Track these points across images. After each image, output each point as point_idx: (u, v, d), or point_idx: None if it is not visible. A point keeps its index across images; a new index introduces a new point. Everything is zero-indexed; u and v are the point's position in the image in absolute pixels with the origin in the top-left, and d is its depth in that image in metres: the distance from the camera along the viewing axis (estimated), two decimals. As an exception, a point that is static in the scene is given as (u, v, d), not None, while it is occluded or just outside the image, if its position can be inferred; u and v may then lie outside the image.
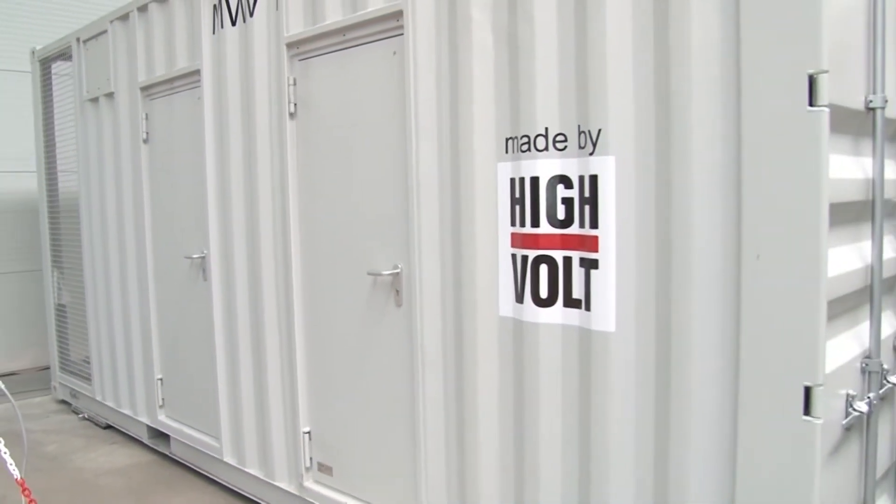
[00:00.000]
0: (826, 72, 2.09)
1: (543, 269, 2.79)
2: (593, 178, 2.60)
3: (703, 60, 2.32)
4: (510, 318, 2.92)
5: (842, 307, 2.56)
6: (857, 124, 2.60)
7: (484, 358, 3.01)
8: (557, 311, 2.77)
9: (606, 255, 2.59)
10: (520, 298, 2.87)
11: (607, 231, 2.58)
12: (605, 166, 2.57)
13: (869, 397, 2.64)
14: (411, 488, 3.36)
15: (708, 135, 2.33)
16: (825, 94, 2.09)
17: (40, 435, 5.78)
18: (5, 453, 3.18)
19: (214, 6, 4.28)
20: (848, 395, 2.53)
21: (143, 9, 4.93)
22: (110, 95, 5.36)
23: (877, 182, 2.61)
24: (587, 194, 2.63)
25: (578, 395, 2.74)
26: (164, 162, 4.93)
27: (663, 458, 2.52)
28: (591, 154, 2.60)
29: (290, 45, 3.79)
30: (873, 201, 2.62)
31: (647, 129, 2.47)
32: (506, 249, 2.92)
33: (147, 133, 5.04)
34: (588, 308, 2.66)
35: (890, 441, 3.07)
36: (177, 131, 4.76)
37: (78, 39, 5.69)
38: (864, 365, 2.66)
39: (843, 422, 2.42)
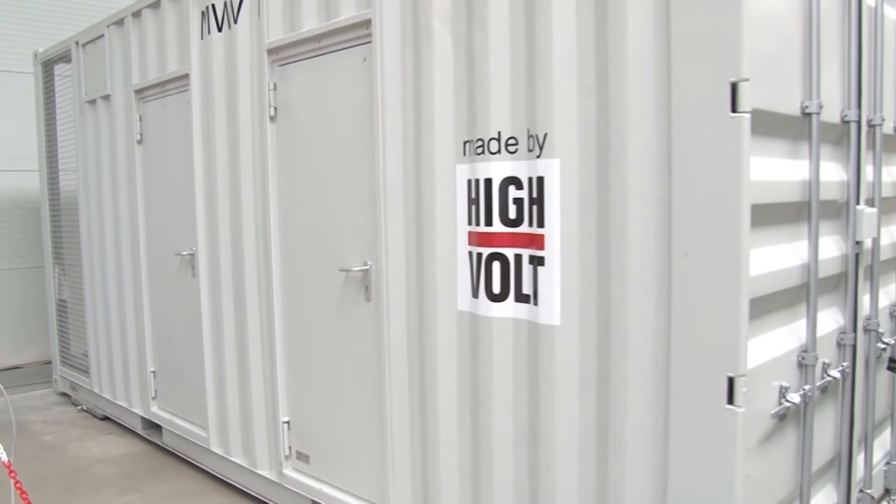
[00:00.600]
0: (747, 80, 2.22)
1: (496, 265, 2.94)
2: (540, 180, 2.75)
3: (637, 69, 2.46)
4: (467, 313, 3.07)
5: (777, 303, 2.70)
6: (795, 128, 2.73)
7: (443, 350, 3.16)
8: (509, 306, 2.91)
9: (552, 252, 2.73)
10: (475, 294, 3.02)
11: (553, 230, 2.72)
12: (550, 168, 2.71)
13: (804, 390, 2.77)
14: (380, 474, 3.52)
15: (643, 139, 2.47)
16: (746, 100, 2.23)
17: (40, 426, 5.99)
18: (-6, 438, 3.37)
19: (202, 12, 4.46)
20: (781, 386, 2.66)
21: (136, 14, 5.11)
22: (107, 97, 5.55)
23: (813, 184, 2.74)
24: (535, 195, 2.78)
25: (528, 384, 2.88)
26: (156, 162, 5.12)
27: (604, 441, 2.66)
28: (538, 157, 2.75)
29: (270, 51, 3.95)
30: (810, 202, 2.75)
31: (588, 133, 2.61)
32: (463, 247, 3.07)
33: (141, 134, 5.23)
34: (536, 303, 2.81)
35: (835, 432, 3.19)
36: (169, 133, 4.94)
37: (77, 43, 5.89)
38: (800, 359, 2.78)
39: (772, 412, 2.55)
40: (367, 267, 3.52)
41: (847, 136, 3.08)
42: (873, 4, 3.28)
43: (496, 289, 2.95)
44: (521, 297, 2.88)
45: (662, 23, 2.40)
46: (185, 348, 4.92)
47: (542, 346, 2.80)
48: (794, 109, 2.68)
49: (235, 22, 4.18)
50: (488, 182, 2.93)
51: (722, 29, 2.25)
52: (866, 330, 3.41)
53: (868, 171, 3.33)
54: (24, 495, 3.39)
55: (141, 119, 5.22)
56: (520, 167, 2.83)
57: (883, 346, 3.57)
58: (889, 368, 3.58)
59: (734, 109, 2.24)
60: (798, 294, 2.80)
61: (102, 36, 5.52)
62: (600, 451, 2.68)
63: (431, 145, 3.13)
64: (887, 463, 3.80)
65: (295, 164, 3.94)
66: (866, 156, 3.31)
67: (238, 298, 4.35)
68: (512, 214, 2.88)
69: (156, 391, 5.36)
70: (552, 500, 2.82)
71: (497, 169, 2.90)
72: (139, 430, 5.58)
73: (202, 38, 4.47)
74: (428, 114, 3.13)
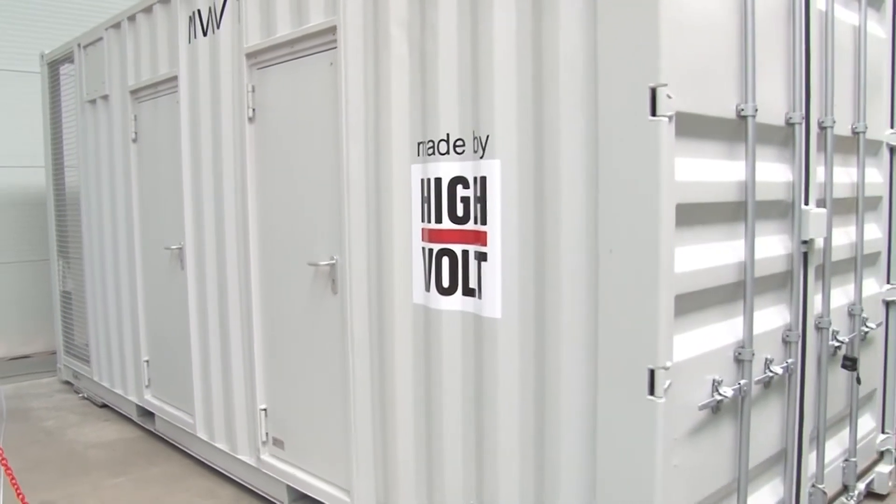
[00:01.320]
0: (664, 85, 2.33)
1: (445, 261, 3.07)
2: (483, 180, 2.87)
3: (568, 75, 2.58)
4: (421, 306, 3.21)
5: (711, 299, 2.79)
6: (732, 131, 2.82)
7: (400, 341, 3.30)
8: (457, 300, 3.04)
9: (494, 248, 2.86)
10: (428, 287, 3.15)
11: (494, 227, 2.85)
12: (492, 169, 2.83)
13: (739, 384, 2.86)
14: (346, 459, 3.66)
15: (573, 142, 2.58)
16: (664, 105, 2.33)
17: (42, 412, 6.24)
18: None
19: (190, 17, 4.63)
20: (714, 380, 2.76)
21: (132, 18, 5.31)
22: (106, 97, 5.76)
23: (749, 184, 2.83)
24: (479, 194, 2.90)
25: (474, 374, 3.01)
26: (150, 160, 5.31)
27: (541, 429, 2.79)
28: (481, 158, 2.87)
29: (248, 55, 4.11)
30: (746, 202, 2.84)
31: (525, 135, 2.73)
32: (417, 243, 3.20)
33: (136, 133, 5.43)
34: (480, 297, 2.93)
35: (782, 427, 3.27)
36: (161, 132, 5.13)
37: (79, 45, 6.11)
38: (737, 354, 2.88)
39: (700, 404, 2.64)
40: (334, 262, 3.66)
41: (792, 138, 3.15)
42: (824, 9, 3.35)
43: (445, 283, 3.08)
44: (468, 291, 3.00)
45: (590, 31, 2.50)
46: (176, 338, 5.10)
47: (486, 338, 2.92)
48: (728, 112, 2.77)
49: (218, 27, 4.34)
50: (438, 181, 3.06)
51: (641, 37, 2.36)
52: (818, 328, 3.49)
53: (822, 173, 3.41)
54: (10, 471, 3.60)
55: (136, 118, 5.42)
56: (466, 167, 2.96)
57: (837, 344, 3.64)
58: (844, 367, 3.64)
59: (653, 113, 2.34)
60: (736, 291, 2.89)
61: (101, 39, 5.73)
62: (538, 438, 2.80)
63: (389, 146, 3.26)
64: (845, 460, 3.86)
65: (271, 164, 4.09)
66: (818, 157, 3.40)
67: (221, 291, 4.52)
68: (459, 212, 3.00)
69: (149, 379, 5.57)
70: (496, 482, 2.94)
71: (446, 169, 3.03)
72: (134, 417, 5.79)
73: (189, 41, 4.65)
74: (386, 116, 3.26)
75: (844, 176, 3.75)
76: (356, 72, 3.40)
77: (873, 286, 4.16)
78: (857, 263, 3.79)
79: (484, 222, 2.88)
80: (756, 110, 2.81)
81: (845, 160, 3.74)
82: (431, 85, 3.05)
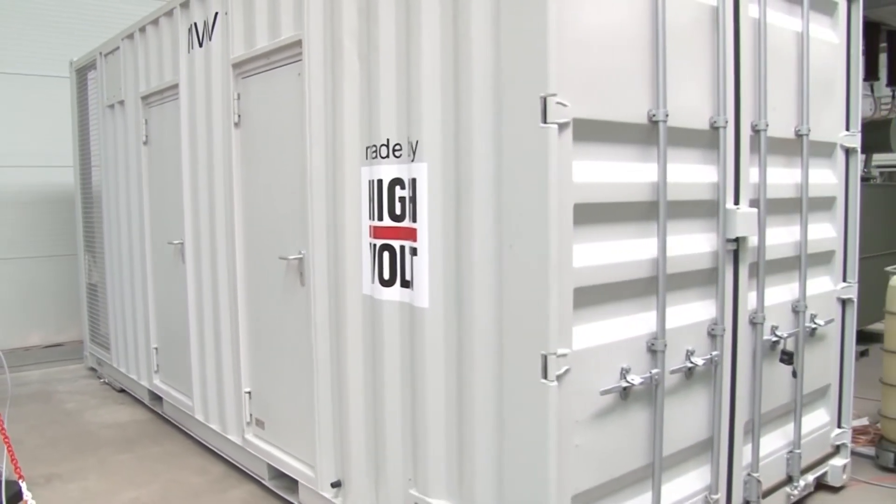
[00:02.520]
0: (553, 95, 2.56)
1: (386, 255, 3.34)
2: (414, 181, 3.14)
3: (480, 85, 2.83)
4: (369, 297, 3.49)
5: (624, 292, 3.00)
6: (644, 134, 3.02)
7: (352, 329, 3.59)
8: (396, 291, 3.32)
9: (422, 244, 3.12)
10: (373, 280, 3.44)
11: (423, 224, 3.11)
12: (420, 171, 3.10)
13: (651, 373, 3.06)
14: (311, 438, 3.97)
15: (484, 146, 2.83)
16: (554, 113, 2.56)
17: (65, 395, 6.74)
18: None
19: (189, 28, 5.01)
20: (622, 368, 2.97)
21: (142, 30, 5.73)
22: (122, 103, 6.21)
23: (660, 185, 3.02)
24: (412, 194, 3.17)
25: (410, 360, 3.28)
26: (158, 161, 5.73)
27: (461, 409, 3.04)
28: (412, 161, 3.14)
29: (234, 66, 4.46)
30: (658, 202, 3.03)
31: (447, 141, 2.99)
32: (366, 239, 3.48)
33: (146, 136, 5.86)
34: (413, 288, 3.20)
35: (710, 415, 3.43)
36: (166, 135, 5.53)
37: (101, 53, 6.58)
38: (650, 344, 3.08)
39: (602, 389, 2.86)
40: (301, 256, 3.97)
41: (718, 140, 3.32)
42: (756, 16, 3.50)
43: (386, 275, 3.35)
44: (405, 283, 3.27)
45: (498, 46, 2.75)
46: (179, 328, 5.50)
47: (417, 326, 3.19)
48: (640, 118, 2.97)
49: (210, 39, 4.71)
50: (380, 182, 3.34)
51: (533, 51, 2.59)
52: (753, 323, 3.64)
53: (764, 174, 3.57)
54: (8, 443, 4.02)
55: (146, 122, 5.85)
56: (403, 170, 3.23)
57: (775, 339, 3.78)
58: (781, 361, 3.78)
59: (544, 121, 2.57)
60: (653, 285, 3.08)
61: (118, 48, 6.18)
62: (458, 419, 3.06)
63: (343, 150, 3.56)
64: (789, 451, 3.99)
65: (255, 166, 4.43)
66: (752, 159, 3.56)
67: (214, 283, 4.89)
68: (398, 211, 3.27)
69: (158, 365, 5.99)
70: (426, 460, 3.21)
71: (387, 171, 3.30)
72: (146, 401, 6.23)
73: (189, 51, 5.02)
74: (341, 122, 3.55)
75: (789, 177, 3.89)
76: (318, 82, 3.71)
77: (827, 284, 4.27)
78: (802, 262, 3.91)
79: (415, 220, 3.15)
80: (667, 116, 3.00)
81: (792, 162, 3.87)
82: (375, 94, 3.33)
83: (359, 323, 3.57)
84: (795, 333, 3.90)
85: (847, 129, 4.29)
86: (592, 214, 2.81)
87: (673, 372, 3.17)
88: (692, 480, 3.42)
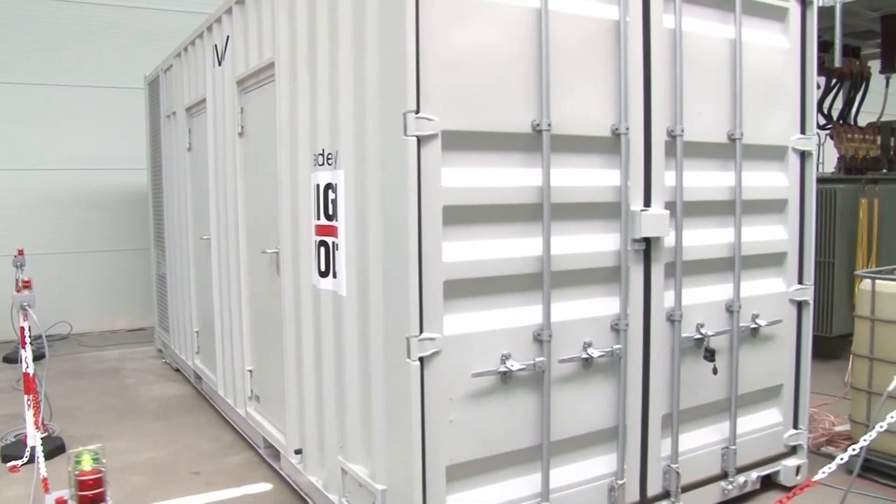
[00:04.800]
0: (413, 111, 2.93)
1: (323, 250, 3.81)
2: (336, 186, 3.59)
3: (373, 102, 3.23)
4: (315, 287, 3.97)
5: (511, 286, 3.31)
6: (530, 143, 3.31)
7: (305, 314, 4.09)
8: (329, 281, 3.78)
9: (341, 240, 3.57)
10: (316, 272, 3.91)
11: (341, 223, 3.56)
12: (339, 177, 3.55)
13: (535, 361, 3.34)
14: (283, 411, 4.51)
15: (375, 155, 3.24)
16: (412, 127, 2.95)
17: (129, 372, 7.70)
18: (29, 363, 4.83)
19: (214, 48, 5.69)
20: (503, 355, 3.28)
21: (186, 49, 6.51)
22: (175, 114, 7.05)
23: (545, 189, 3.31)
24: (335, 197, 3.62)
25: (339, 340, 3.73)
26: (197, 166, 6.49)
27: (366, 384, 3.46)
28: (335, 168, 3.59)
29: (238, 82, 5.08)
30: (543, 203, 3.31)
31: (356, 150, 3.42)
32: (313, 236, 3.96)
33: (189, 143, 6.64)
34: (337, 278, 3.65)
35: (616, 403, 3.64)
36: (201, 142, 6.27)
37: (162, 69, 7.47)
38: (536, 335, 3.36)
39: (474, 372, 3.18)
40: (276, 250, 4.52)
41: (620, 146, 3.54)
42: (672, 26, 3.68)
43: (323, 268, 3.82)
44: (335, 274, 3.73)
45: (381, 67, 3.15)
46: (210, 313, 6.22)
47: (340, 312, 3.64)
48: (522, 127, 3.27)
49: (223, 58, 5.36)
50: (318, 186, 3.81)
51: (397, 72, 2.98)
52: (671, 321, 3.81)
53: (676, 177, 3.75)
54: (37, 399, 4.81)
55: (190, 131, 6.63)
56: (331, 175, 3.68)
57: (700, 336, 3.92)
58: (705, 358, 3.91)
59: (405, 133, 2.95)
60: (536, 280, 3.36)
61: (172, 66, 7.02)
62: (366, 392, 3.47)
63: (298, 158, 4.06)
64: (724, 447, 4.10)
65: (252, 171, 5.03)
66: (668, 162, 3.74)
67: (228, 272, 5.55)
68: (330, 211, 3.73)
69: (198, 347, 6.77)
70: (344, 428, 3.67)
71: (323, 177, 3.77)
72: (191, 379, 7.03)
73: (213, 69, 5.71)
74: (297, 134, 4.06)
75: (724, 180, 4.01)
76: (284, 98, 4.23)
77: (779, 286, 4.32)
78: (736, 263, 4.01)
79: (337, 219, 3.60)
80: (550, 125, 3.28)
81: (729, 166, 3.98)
82: (315, 109, 3.81)
83: (310, 310, 4.06)
84: (728, 332, 4.01)
85: (802, 132, 4.31)
86: (466, 215, 3.14)
87: (563, 361, 3.42)
88: (596, 465, 3.65)
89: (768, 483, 4.41)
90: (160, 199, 8.29)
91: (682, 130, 3.72)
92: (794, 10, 4.23)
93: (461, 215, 3.14)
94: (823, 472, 3.17)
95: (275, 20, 4.30)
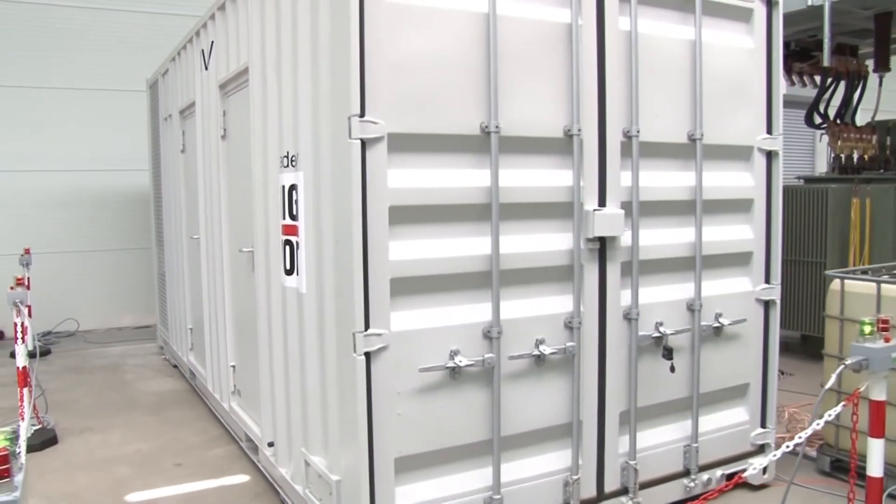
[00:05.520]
0: (357, 115, 3.03)
1: (287, 249, 3.92)
2: (297, 186, 3.69)
3: (325, 105, 3.34)
4: (282, 284, 4.08)
5: (460, 283, 3.39)
6: (480, 143, 3.38)
7: (275, 310, 4.20)
8: (294, 279, 3.89)
9: (301, 239, 3.68)
10: (283, 269, 4.03)
11: (301, 223, 3.67)
12: (300, 178, 3.65)
13: (484, 357, 3.41)
14: (258, 405, 4.63)
15: (328, 158, 3.34)
16: (357, 130, 3.04)
17: (129, 368, 7.90)
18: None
19: (201, 52, 5.84)
20: (452, 351, 3.36)
21: (179, 53, 6.68)
22: (170, 116, 7.22)
23: (493, 189, 3.38)
24: (297, 197, 3.72)
25: (301, 336, 3.83)
26: (189, 167, 6.65)
27: (325, 377, 3.56)
28: (297, 170, 3.70)
29: (220, 86, 5.22)
30: (492, 203, 3.39)
31: (314, 153, 3.52)
32: (280, 235, 4.08)
33: (183, 145, 6.80)
34: (299, 276, 3.76)
35: (570, 400, 3.70)
36: (192, 145, 6.43)
37: (160, 73, 7.66)
38: (485, 331, 3.44)
39: (421, 367, 3.26)
40: (251, 249, 4.64)
41: (571, 147, 3.60)
42: (627, 28, 3.73)
43: (288, 266, 3.94)
44: (297, 272, 3.84)
45: (332, 74, 3.26)
46: (202, 310, 6.38)
47: (301, 308, 3.75)
48: (470, 129, 3.34)
49: (209, 62, 5.50)
50: (284, 187, 3.92)
51: (343, 79, 3.08)
52: (628, 319, 3.86)
53: (633, 177, 3.80)
54: (31, 392, 4.99)
55: (183, 133, 6.79)
56: (294, 177, 3.79)
57: (659, 334, 3.96)
58: (663, 356, 3.95)
59: (350, 136, 3.05)
60: (487, 279, 3.43)
61: (168, 70, 7.20)
62: (324, 386, 3.58)
63: (268, 160, 4.18)
64: (686, 445, 4.14)
65: (233, 172, 5.17)
66: (624, 163, 3.79)
67: (214, 270, 5.70)
68: (294, 212, 3.84)
69: (192, 344, 6.93)
70: (306, 420, 3.78)
71: (287, 178, 3.88)
72: (186, 375, 7.20)
73: (201, 72, 5.86)
74: (267, 137, 4.17)
75: (686, 180, 4.04)
76: (257, 102, 4.35)
77: (745, 285, 4.35)
78: (697, 262, 4.05)
79: (299, 219, 3.71)
80: (498, 127, 3.35)
81: (690, 166, 4.02)
82: (281, 114, 3.92)
83: (279, 306, 4.17)
84: (689, 331, 4.05)
85: (769, 132, 4.34)
86: (413, 215, 3.23)
87: (513, 358, 3.49)
88: (551, 461, 3.71)
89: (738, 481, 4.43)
90: (160, 199, 8.49)
91: (638, 131, 3.77)
92: (760, 11, 4.26)
93: (409, 215, 3.23)
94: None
95: (249, 26, 4.43)
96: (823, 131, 7.94)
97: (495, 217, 3.39)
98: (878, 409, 3.09)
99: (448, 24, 3.27)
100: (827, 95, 7.94)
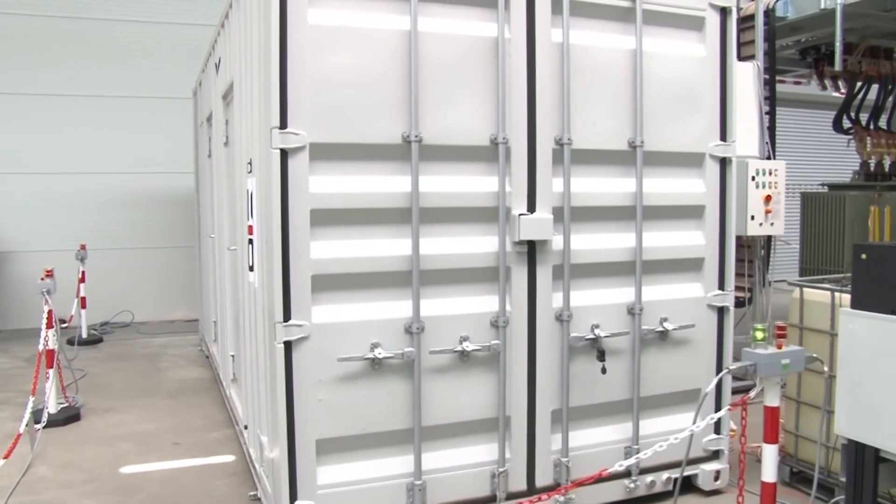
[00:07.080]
0: (277, 127, 3.33)
1: (250, 247, 4.28)
2: (252, 191, 4.05)
3: (263, 117, 3.66)
4: (247, 280, 4.45)
5: (382, 281, 3.64)
6: (403, 152, 3.62)
7: (248, 305, 4.57)
8: (254, 274, 4.24)
9: (255, 238, 4.03)
10: (248, 266, 4.39)
11: (255, 223, 4.01)
12: (253, 183, 4.00)
13: (404, 351, 3.64)
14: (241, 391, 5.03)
15: (265, 165, 3.66)
16: (277, 140, 3.35)
17: (166, 357, 8.53)
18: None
19: (216, 64, 6.33)
20: (372, 343, 3.61)
21: (206, 65, 7.22)
22: (203, 122, 7.80)
23: (413, 194, 3.61)
24: (252, 200, 4.08)
25: (255, 326, 4.18)
26: (213, 171, 7.17)
27: (267, 366, 3.88)
28: (252, 175, 4.05)
29: (223, 97, 5.67)
30: (412, 207, 3.62)
31: (259, 161, 3.85)
32: (247, 235, 4.45)
33: (210, 150, 7.34)
34: (255, 272, 4.11)
35: (497, 397, 3.87)
36: (213, 150, 6.95)
37: (198, 83, 8.26)
38: (407, 326, 3.67)
39: (340, 356, 3.53)
40: (235, 248, 5.04)
41: (501, 155, 3.77)
42: (559, 40, 3.88)
43: (250, 262, 4.29)
44: (254, 268, 4.18)
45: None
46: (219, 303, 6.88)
47: (255, 301, 4.10)
48: (392, 139, 3.58)
49: (217, 73, 5.98)
50: (248, 191, 4.29)
51: (266, 93, 3.39)
52: (560, 320, 4.00)
53: (564, 183, 3.94)
54: (61, 374, 5.57)
55: (210, 139, 7.33)
56: (251, 182, 4.14)
57: (594, 336, 4.07)
58: (597, 358, 4.05)
59: (271, 146, 3.36)
60: (410, 277, 3.66)
61: (201, 80, 7.77)
62: (265, 371, 3.90)
63: (243, 166, 4.56)
64: (627, 447, 4.21)
65: (231, 176, 5.60)
66: (556, 169, 3.94)
67: (222, 265, 6.16)
68: (253, 213, 4.20)
69: (215, 336, 7.45)
70: (260, 401, 4.11)
71: (249, 183, 4.24)
72: (213, 365, 7.73)
73: (214, 83, 6.35)
74: (242, 144, 4.56)
75: (627, 186, 4.14)
76: (236, 113, 4.75)
77: (696, 290, 4.38)
78: (637, 267, 4.13)
79: (253, 220, 4.06)
80: (419, 137, 3.58)
81: (626, 172, 4.12)
82: (250, 122, 4.28)
83: (250, 301, 4.54)
84: (627, 334, 4.13)
85: (722, 139, 4.36)
86: (335, 218, 3.51)
87: (434, 353, 3.70)
88: (477, 452, 3.90)
89: (689, 486, 4.46)
90: (199, 200, 9.13)
91: (570, 139, 3.91)
92: (713, 19, 4.29)
93: (331, 218, 3.51)
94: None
95: (232, 43, 4.84)
96: (851, 136, 7.67)
97: (415, 220, 3.62)
98: (772, 414, 3.12)
99: (371, 41, 3.53)
100: (857, 101, 7.67)
